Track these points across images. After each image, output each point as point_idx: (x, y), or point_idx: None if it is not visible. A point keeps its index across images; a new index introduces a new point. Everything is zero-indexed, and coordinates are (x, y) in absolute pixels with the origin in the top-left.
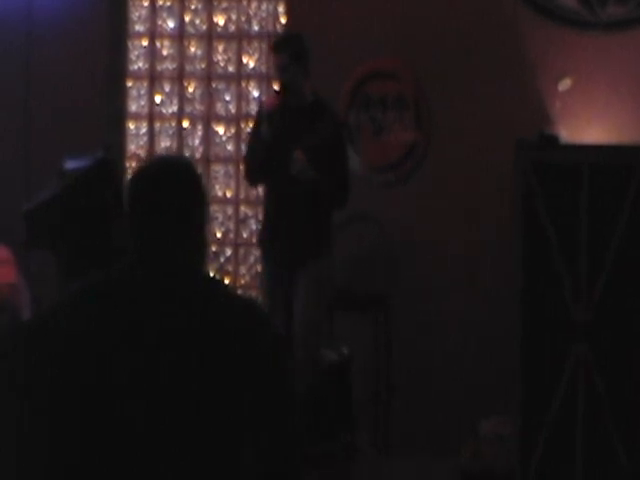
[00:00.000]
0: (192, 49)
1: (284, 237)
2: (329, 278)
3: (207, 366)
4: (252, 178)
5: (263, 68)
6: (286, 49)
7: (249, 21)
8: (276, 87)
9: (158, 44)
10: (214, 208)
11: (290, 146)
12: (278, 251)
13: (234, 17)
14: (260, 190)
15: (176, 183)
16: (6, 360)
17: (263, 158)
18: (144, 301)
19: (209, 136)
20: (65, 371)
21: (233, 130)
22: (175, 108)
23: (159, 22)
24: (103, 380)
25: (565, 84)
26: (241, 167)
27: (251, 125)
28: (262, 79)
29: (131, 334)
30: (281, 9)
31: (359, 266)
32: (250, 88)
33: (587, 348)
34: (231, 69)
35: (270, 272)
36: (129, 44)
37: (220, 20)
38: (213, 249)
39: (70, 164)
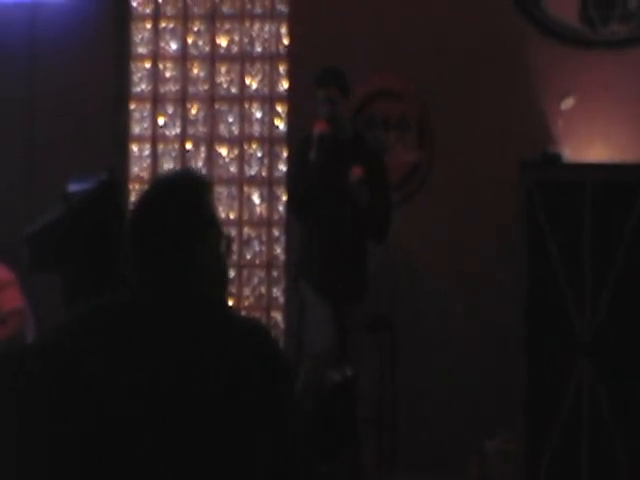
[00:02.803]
0: (195, 71)
1: (333, 272)
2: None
3: (211, 388)
4: (300, 207)
5: (266, 89)
6: (335, 82)
7: (252, 42)
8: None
9: (161, 66)
10: None
11: (335, 177)
12: (327, 285)
13: (237, 39)
14: (263, 212)
15: (176, 213)
16: (7, 382)
17: (313, 183)
18: (147, 326)
19: (212, 158)
20: (66, 394)
21: (236, 151)
22: (178, 130)
23: (162, 44)
24: (105, 403)
25: (568, 103)
26: (245, 189)
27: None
28: (265, 100)
29: (134, 358)
30: (284, 30)
31: None
32: (253, 109)
33: (591, 364)
34: (234, 90)
35: (318, 302)
36: (132, 66)
37: (223, 42)
38: None
39: (73, 187)
